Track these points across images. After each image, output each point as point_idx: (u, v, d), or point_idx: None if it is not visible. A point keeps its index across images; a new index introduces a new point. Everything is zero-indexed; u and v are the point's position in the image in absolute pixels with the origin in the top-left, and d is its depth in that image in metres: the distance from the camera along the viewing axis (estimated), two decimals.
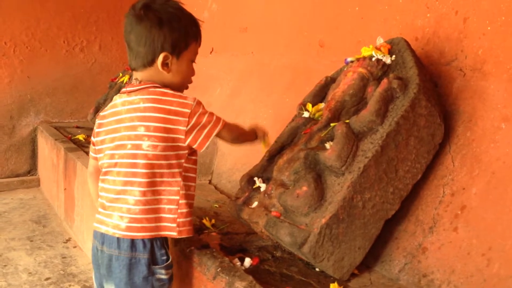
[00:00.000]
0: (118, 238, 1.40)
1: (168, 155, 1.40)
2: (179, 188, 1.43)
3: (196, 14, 1.57)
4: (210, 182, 2.87)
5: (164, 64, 1.41)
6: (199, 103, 1.41)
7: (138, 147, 1.38)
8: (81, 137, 3.63)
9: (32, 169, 4.32)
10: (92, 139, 1.55)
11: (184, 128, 1.38)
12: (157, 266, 1.44)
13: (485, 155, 1.58)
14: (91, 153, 1.59)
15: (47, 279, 2.54)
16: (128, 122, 1.41)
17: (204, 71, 3.72)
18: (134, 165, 1.39)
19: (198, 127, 1.39)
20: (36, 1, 4.19)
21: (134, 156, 1.39)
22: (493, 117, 1.60)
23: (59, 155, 3.38)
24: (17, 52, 4.15)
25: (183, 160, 1.43)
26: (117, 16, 4.54)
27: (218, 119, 1.44)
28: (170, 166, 1.41)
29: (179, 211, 1.43)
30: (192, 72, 1.52)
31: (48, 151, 3.79)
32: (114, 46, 4.56)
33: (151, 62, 1.42)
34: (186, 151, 1.43)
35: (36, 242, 3.01)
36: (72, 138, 3.66)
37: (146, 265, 1.41)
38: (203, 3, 3.81)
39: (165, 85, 1.43)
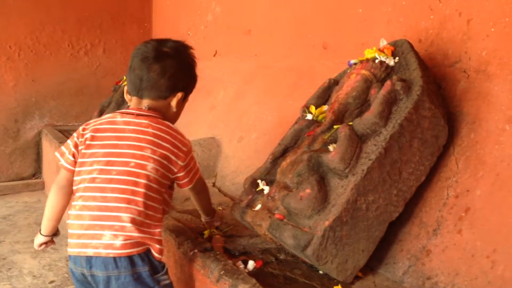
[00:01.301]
0: (114, 258, 1.35)
1: (162, 183, 1.45)
2: (161, 216, 1.47)
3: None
4: (214, 184, 2.87)
5: (178, 102, 1.53)
6: (191, 148, 1.53)
7: (142, 167, 1.40)
8: None
9: (37, 172, 4.33)
10: (73, 149, 1.46)
11: (181, 163, 1.47)
12: (159, 274, 1.44)
13: (489, 157, 1.57)
14: (66, 165, 1.47)
15: (51, 282, 2.55)
16: (133, 141, 1.42)
17: (207, 74, 3.72)
18: (135, 184, 1.39)
19: (188, 168, 1.51)
20: (41, 5, 4.21)
21: (137, 175, 1.39)
22: (497, 119, 1.59)
23: None
24: (21, 56, 4.17)
25: (164, 190, 1.48)
26: (121, 19, 4.55)
27: (198, 168, 1.58)
28: (159, 193, 1.45)
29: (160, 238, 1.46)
30: None
31: (53, 154, 3.80)
32: (119, 49, 4.57)
33: (166, 97, 1.51)
34: (169, 183, 1.50)
35: None
36: None
37: (150, 277, 1.40)
38: (206, 6, 3.82)
39: (165, 119, 1.52)
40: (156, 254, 1.43)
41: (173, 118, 1.58)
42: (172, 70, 1.49)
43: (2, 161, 4.18)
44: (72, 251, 1.40)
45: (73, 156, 1.46)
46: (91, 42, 4.47)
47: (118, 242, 1.35)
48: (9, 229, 3.27)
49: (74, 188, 1.45)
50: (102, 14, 4.48)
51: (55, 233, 1.59)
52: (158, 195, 1.44)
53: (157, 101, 1.51)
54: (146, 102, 1.50)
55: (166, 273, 1.48)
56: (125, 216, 1.36)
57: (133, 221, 1.36)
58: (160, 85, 1.49)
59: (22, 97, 4.22)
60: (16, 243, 3.03)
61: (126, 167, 1.39)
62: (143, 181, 1.39)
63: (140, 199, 1.38)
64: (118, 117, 1.47)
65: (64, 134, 3.96)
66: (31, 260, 2.79)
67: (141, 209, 1.38)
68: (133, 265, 1.37)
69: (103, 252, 1.35)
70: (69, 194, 1.48)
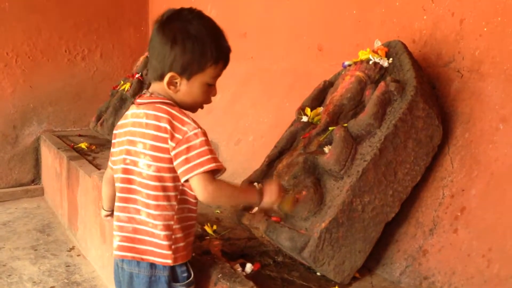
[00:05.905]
0: None
1: (163, 177, 1.30)
2: (173, 213, 1.32)
3: None
4: None
5: (171, 84, 1.31)
6: (196, 135, 1.27)
7: (135, 163, 1.33)
8: (83, 145, 3.64)
9: (36, 178, 4.33)
10: (112, 149, 1.47)
11: (172, 150, 1.27)
12: (178, 284, 1.37)
13: (484, 156, 1.58)
14: (109, 163, 1.48)
15: None
16: (130, 136, 1.34)
17: None
18: (129, 181, 1.34)
19: (182, 158, 1.26)
20: (38, 11, 4.21)
21: (131, 172, 1.34)
22: (491, 118, 1.60)
23: (62, 164, 3.39)
24: (19, 62, 4.17)
25: (179, 183, 1.32)
26: (117, 24, 4.56)
27: (209, 161, 1.26)
28: (164, 189, 1.31)
29: (173, 237, 1.33)
30: (205, 95, 1.39)
31: (51, 160, 3.81)
32: (115, 54, 4.57)
33: (160, 78, 1.32)
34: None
35: (40, 251, 3.01)
36: (75, 146, 3.66)
37: (167, 283, 1.35)
38: (202, 9, 3.81)
39: (175, 102, 1.34)
40: (159, 260, 1.33)
41: (183, 101, 1.35)
42: (158, 48, 1.31)
43: (1, 168, 4.18)
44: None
45: (111, 155, 1.47)
46: (88, 47, 4.48)
47: (116, 242, 1.36)
48: (8, 235, 3.27)
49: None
50: (98, 19, 4.48)
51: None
52: (164, 192, 1.30)
53: (157, 84, 1.34)
54: (151, 86, 1.37)
55: (188, 285, 1.38)
56: (123, 215, 1.35)
57: (131, 220, 1.34)
58: (152, 66, 1.34)
59: (20, 103, 4.23)
60: (16, 249, 3.04)
61: (124, 165, 1.35)
62: (137, 179, 1.32)
63: (137, 197, 1.33)
64: (130, 109, 1.40)
65: (63, 139, 3.96)
66: (31, 267, 2.80)
67: (140, 207, 1.33)
68: (153, 267, 1.35)
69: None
70: (111, 184, 1.49)
